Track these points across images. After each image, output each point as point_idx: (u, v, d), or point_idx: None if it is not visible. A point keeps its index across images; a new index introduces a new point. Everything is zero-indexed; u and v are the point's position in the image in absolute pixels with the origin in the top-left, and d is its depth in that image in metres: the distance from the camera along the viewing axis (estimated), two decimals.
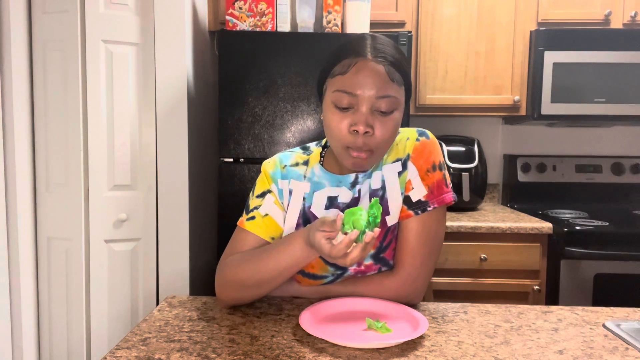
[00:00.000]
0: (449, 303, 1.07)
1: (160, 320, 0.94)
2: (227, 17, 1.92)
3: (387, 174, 1.01)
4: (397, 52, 0.95)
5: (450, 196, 1.01)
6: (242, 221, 1.04)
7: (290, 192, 1.05)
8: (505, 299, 1.97)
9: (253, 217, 1.03)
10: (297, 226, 1.02)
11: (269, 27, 1.93)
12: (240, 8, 1.91)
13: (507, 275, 1.99)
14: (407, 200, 1.00)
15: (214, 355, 0.79)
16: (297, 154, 1.09)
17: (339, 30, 1.95)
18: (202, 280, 2.10)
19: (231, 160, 1.89)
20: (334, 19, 1.94)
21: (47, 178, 1.88)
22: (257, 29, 1.92)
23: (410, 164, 1.00)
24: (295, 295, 1.05)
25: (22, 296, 1.87)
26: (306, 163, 1.07)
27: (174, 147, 1.88)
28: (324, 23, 1.94)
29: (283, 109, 1.86)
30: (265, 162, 1.09)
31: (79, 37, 1.78)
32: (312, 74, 1.85)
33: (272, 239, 1.02)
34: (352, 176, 1.02)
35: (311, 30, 1.96)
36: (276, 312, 0.99)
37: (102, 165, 1.83)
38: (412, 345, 0.83)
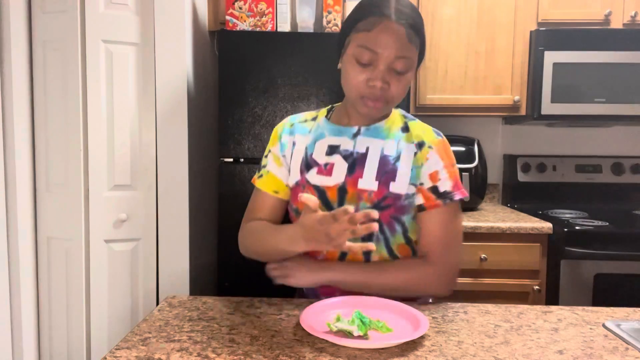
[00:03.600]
0: (449, 303, 1.07)
1: (160, 320, 0.94)
2: (227, 17, 1.92)
3: (404, 149, 1.07)
4: (416, 14, 1.02)
5: (466, 191, 1.08)
6: (255, 179, 1.17)
7: (294, 144, 1.13)
8: (505, 299, 1.97)
9: (262, 175, 1.15)
10: (301, 172, 1.10)
11: (269, 27, 1.93)
12: (240, 8, 1.91)
13: (507, 275, 1.99)
14: (434, 190, 1.05)
15: (214, 355, 0.79)
16: (307, 112, 1.20)
17: (338, 30, 1.95)
18: (202, 280, 2.10)
19: (231, 160, 1.89)
20: (334, 19, 1.94)
21: (47, 178, 1.88)
22: (257, 29, 1.92)
23: (435, 156, 1.06)
24: (329, 283, 1.04)
25: (22, 296, 1.87)
26: (314, 119, 1.16)
27: (174, 147, 1.88)
28: (324, 23, 1.95)
29: (283, 109, 1.86)
30: (278, 124, 1.20)
31: (78, 37, 1.77)
32: (312, 74, 1.85)
33: (275, 192, 1.13)
34: (355, 128, 1.10)
35: (311, 30, 1.96)
36: (276, 312, 0.99)
37: (102, 165, 1.83)
38: (412, 345, 0.83)
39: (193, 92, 1.97)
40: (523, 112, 2.25)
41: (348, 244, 0.88)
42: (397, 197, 1.04)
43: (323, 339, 0.83)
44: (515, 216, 2.15)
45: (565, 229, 1.92)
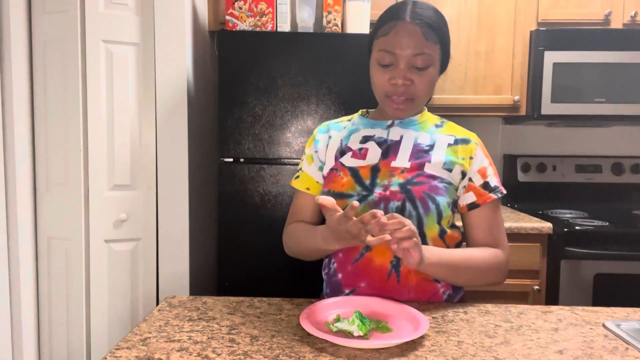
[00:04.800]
0: (449, 303, 1.07)
1: (160, 320, 0.94)
2: (227, 17, 1.92)
3: (438, 139, 1.12)
4: (434, 14, 1.08)
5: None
6: (292, 181, 1.23)
7: (330, 137, 1.19)
8: (505, 299, 1.97)
9: (298, 177, 1.22)
10: (335, 159, 1.15)
11: (269, 27, 1.93)
12: (240, 8, 1.91)
13: (506, 278, 1.99)
14: (486, 185, 1.11)
15: (214, 355, 0.79)
16: (344, 117, 1.26)
17: (339, 30, 1.95)
18: (202, 280, 2.10)
19: (231, 160, 1.89)
20: (334, 19, 1.94)
21: (47, 178, 1.88)
22: (257, 29, 1.92)
23: (481, 153, 1.13)
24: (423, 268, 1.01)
25: (22, 296, 1.87)
26: (350, 120, 1.23)
27: (174, 147, 1.88)
28: (324, 23, 1.94)
29: (283, 109, 1.86)
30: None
31: (79, 37, 1.77)
32: (312, 74, 1.85)
33: (307, 189, 1.19)
34: (389, 121, 1.15)
35: (311, 30, 1.96)
36: (276, 312, 0.99)
37: (102, 165, 1.83)
38: (412, 345, 0.83)
39: (193, 92, 1.97)
40: (523, 112, 2.25)
41: (368, 238, 0.92)
42: (432, 176, 1.07)
43: (323, 339, 0.83)
44: (515, 216, 2.15)
45: (565, 229, 1.92)
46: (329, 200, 0.94)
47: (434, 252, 1.01)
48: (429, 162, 1.08)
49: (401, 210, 1.05)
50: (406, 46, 1.04)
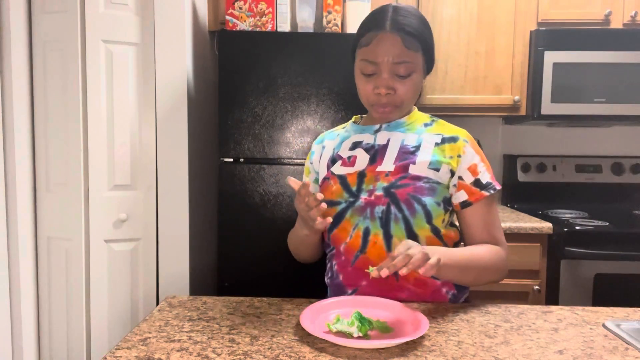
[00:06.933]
0: (449, 303, 1.07)
1: (160, 320, 0.95)
2: (227, 17, 1.92)
3: (424, 139, 1.12)
4: (415, 20, 1.07)
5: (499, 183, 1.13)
6: None
7: (324, 147, 1.23)
8: (505, 299, 1.97)
9: None
10: (327, 168, 1.18)
11: (269, 27, 1.93)
12: (240, 8, 1.91)
13: (507, 275, 1.99)
14: (477, 183, 1.09)
15: (214, 355, 0.79)
16: (340, 125, 1.29)
17: (339, 30, 1.95)
18: (202, 280, 2.10)
19: (231, 160, 1.89)
20: (334, 19, 1.94)
21: (47, 178, 1.88)
22: (257, 29, 1.92)
23: (471, 150, 1.11)
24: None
25: (22, 296, 1.87)
26: (344, 128, 1.25)
27: (174, 147, 1.88)
28: (324, 23, 1.95)
29: (283, 109, 1.86)
30: None
31: (79, 37, 1.77)
32: (312, 74, 1.85)
33: None
34: (377, 126, 1.17)
35: (311, 30, 1.96)
36: (276, 312, 0.99)
37: (102, 165, 1.83)
38: (412, 345, 0.83)
39: (193, 92, 1.97)
40: (523, 112, 2.25)
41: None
42: (416, 177, 1.07)
43: (323, 339, 0.83)
44: (515, 216, 2.15)
45: (565, 229, 1.92)
46: (293, 181, 1.00)
47: (445, 255, 0.98)
48: (414, 163, 1.08)
49: (387, 214, 1.06)
50: (388, 55, 1.05)
